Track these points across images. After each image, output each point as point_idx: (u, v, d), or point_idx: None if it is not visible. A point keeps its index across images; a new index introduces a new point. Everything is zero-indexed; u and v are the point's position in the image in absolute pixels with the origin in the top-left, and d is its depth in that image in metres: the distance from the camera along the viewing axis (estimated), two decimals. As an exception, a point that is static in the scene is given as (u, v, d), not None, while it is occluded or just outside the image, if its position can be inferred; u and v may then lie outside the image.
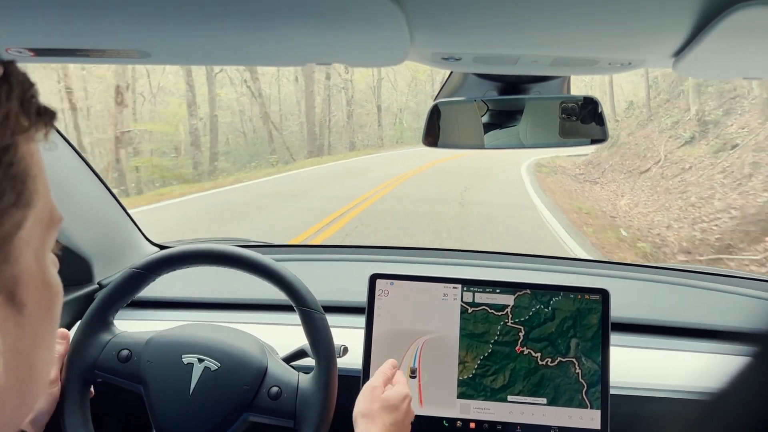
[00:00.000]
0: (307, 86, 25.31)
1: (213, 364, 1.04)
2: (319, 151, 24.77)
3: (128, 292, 1.10)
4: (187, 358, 1.05)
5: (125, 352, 1.08)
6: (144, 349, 1.08)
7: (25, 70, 0.44)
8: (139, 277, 1.09)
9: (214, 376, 1.04)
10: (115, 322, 1.13)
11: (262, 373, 1.05)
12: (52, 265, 0.48)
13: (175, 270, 1.10)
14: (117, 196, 1.56)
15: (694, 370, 1.21)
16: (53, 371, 1.01)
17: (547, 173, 15.09)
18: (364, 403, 0.97)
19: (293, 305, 1.06)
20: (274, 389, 1.03)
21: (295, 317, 1.07)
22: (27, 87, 0.43)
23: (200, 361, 1.05)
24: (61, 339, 1.05)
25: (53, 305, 0.48)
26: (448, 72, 1.05)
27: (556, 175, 15.00)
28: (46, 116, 0.44)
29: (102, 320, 1.10)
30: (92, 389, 1.09)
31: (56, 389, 1.01)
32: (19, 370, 0.43)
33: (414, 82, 33.05)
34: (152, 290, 1.16)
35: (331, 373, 1.03)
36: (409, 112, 33.74)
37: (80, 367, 1.06)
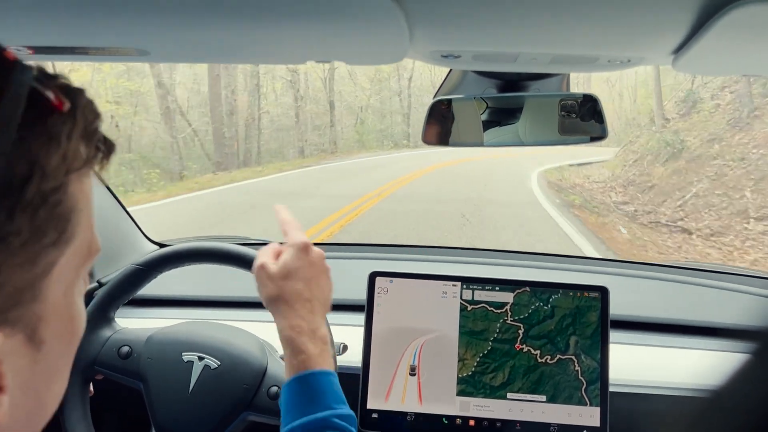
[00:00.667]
0: (210, 70, 16.98)
1: (213, 363, 1.04)
2: (245, 161, 18.43)
3: (129, 288, 1.10)
4: (187, 356, 1.05)
5: (125, 349, 1.08)
6: (144, 346, 1.08)
7: (91, 98, 0.41)
8: (141, 274, 1.10)
9: (213, 375, 1.04)
10: (116, 319, 1.13)
11: (262, 372, 1.05)
12: (81, 296, 0.46)
13: (176, 267, 1.10)
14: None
15: (694, 368, 1.21)
16: None
17: (584, 207, 9.21)
18: (259, 289, 0.85)
19: None
20: (274, 389, 1.03)
21: None
22: (91, 119, 0.41)
23: (200, 359, 1.05)
24: None
25: (74, 339, 0.45)
26: (435, 68, 1.04)
27: (602, 213, 8.90)
28: (105, 148, 0.42)
29: (103, 316, 1.10)
30: (91, 388, 1.09)
31: None
32: (29, 405, 0.42)
33: (377, 75, 28.57)
34: (152, 288, 1.15)
35: None
36: (372, 110, 29.02)
37: (80, 363, 1.06)
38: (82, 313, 0.46)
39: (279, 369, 1.06)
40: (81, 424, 1.03)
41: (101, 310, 1.10)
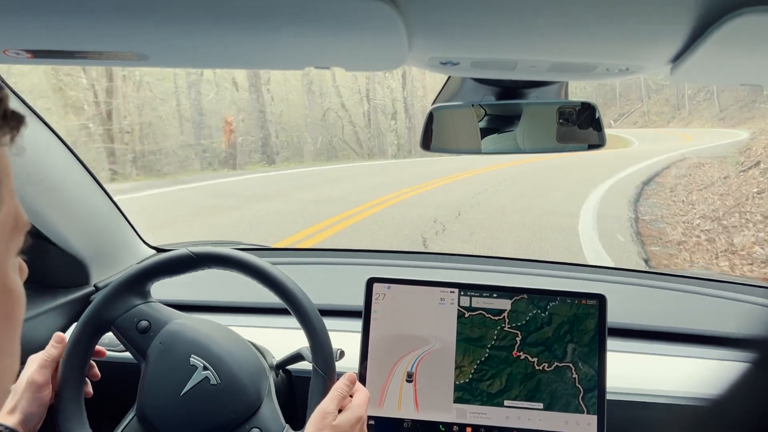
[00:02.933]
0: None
1: (214, 379, 1.03)
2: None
3: (172, 269, 1.10)
4: (194, 360, 1.05)
5: (145, 324, 1.08)
6: (162, 330, 1.08)
7: None
8: (190, 262, 1.09)
9: (209, 390, 1.03)
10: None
11: (253, 410, 1.04)
12: (15, 270, 0.47)
13: (218, 269, 1.10)
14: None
15: (692, 376, 1.21)
16: (43, 375, 1.00)
17: None
18: (313, 430, 0.93)
19: (311, 363, 1.05)
20: (255, 431, 1.02)
21: (291, 321, 1.07)
22: None
23: (204, 368, 1.04)
24: (57, 343, 1.04)
25: (13, 312, 0.46)
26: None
27: None
28: (13, 121, 0.43)
29: (138, 284, 1.11)
30: (90, 389, 1.08)
31: (48, 393, 1.00)
32: None
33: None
34: (162, 292, 1.16)
35: None
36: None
37: (99, 316, 1.07)
38: (18, 288, 0.47)
39: (269, 415, 1.05)
40: (73, 376, 1.03)
41: (139, 278, 1.10)
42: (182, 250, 1.10)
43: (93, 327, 1.07)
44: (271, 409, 1.06)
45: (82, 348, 1.06)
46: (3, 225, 0.44)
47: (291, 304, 1.05)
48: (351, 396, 1.01)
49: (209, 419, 1.02)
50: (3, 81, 0.44)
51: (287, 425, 1.04)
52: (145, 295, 1.12)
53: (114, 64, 0.74)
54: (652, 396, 1.17)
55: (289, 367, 1.19)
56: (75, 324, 1.10)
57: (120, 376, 1.13)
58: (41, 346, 1.06)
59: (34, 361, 1.02)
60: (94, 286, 1.46)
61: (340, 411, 0.97)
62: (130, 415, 1.07)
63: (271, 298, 1.08)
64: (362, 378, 1.14)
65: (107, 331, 1.08)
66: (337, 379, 1.03)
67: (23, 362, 1.02)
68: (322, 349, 1.04)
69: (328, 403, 0.96)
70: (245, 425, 1.02)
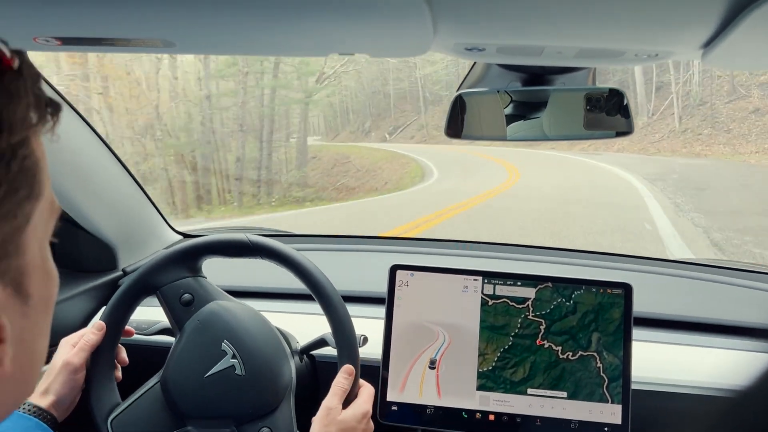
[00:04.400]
0: None
1: (240, 369, 1.05)
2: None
3: (228, 251, 1.12)
4: (225, 346, 1.06)
5: (188, 297, 1.10)
6: (204, 308, 1.10)
7: (31, 61, 0.43)
8: (244, 248, 1.11)
9: (232, 378, 1.04)
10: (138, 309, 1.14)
11: (270, 410, 1.05)
12: (50, 253, 0.48)
13: (264, 260, 1.11)
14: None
15: (719, 367, 1.19)
16: (80, 357, 1.02)
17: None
18: (320, 427, 0.95)
19: (335, 348, 1.06)
20: (265, 430, 1.03)
21: (317, 306, 1.08)
22: (36, 78, 0.42)
23: (233, 356, 1.05)
24: (97, 330, 1.06)
25: (53, 295, 0.48)
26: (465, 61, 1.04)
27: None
28: (51, 108, 0.44)
29: (192, 258, 1.13)
30: (119, 373, 1.11)
31: (82, 376, 1.03)
32: (23, 359, 0.44)
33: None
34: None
35: None
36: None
37: (148, 279, 1.10)
38: (55, 271, 0.48)
39: (284, 417, 1.06)
40: (108, 338, 1.06)
41: (194, 252, 1.12)
42: (240, 235, 1.11)
43: (140, 286, 1.10)
44: (286, 413, 1.06)
45: (124, 305, 1.09)
46: (45, 209, 0.45)
47: (319, 295, 1.07)
48: (356, 392, 1.03)
49: (226, 406, 1.03)
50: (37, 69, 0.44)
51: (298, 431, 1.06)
52: (195, 270, 1.14)
53: (140, 51, 0.75)
54: (678, 386, 1.16)
55: (314, 352, 1.20)
56: (110, 302, 1.12)
57: (146, 359, 1.14)
58: (71, 329, 1.08)
59: (67, 343, 1.05)
60: (123, 270, 1.48)
61: (346, 406, 0.99)
62: (154, 381, 1.09)
63: (297, 284, 1.09)
64: (386, 363, 1.15)
65: (152, 294, 1.11)
66: (360, 366, 1.04)
67: (55, 344, 1.04)
68: (345, 335, 1.05)
69: (330, 399, 0.98)
70: (258, 422, 1.04)
